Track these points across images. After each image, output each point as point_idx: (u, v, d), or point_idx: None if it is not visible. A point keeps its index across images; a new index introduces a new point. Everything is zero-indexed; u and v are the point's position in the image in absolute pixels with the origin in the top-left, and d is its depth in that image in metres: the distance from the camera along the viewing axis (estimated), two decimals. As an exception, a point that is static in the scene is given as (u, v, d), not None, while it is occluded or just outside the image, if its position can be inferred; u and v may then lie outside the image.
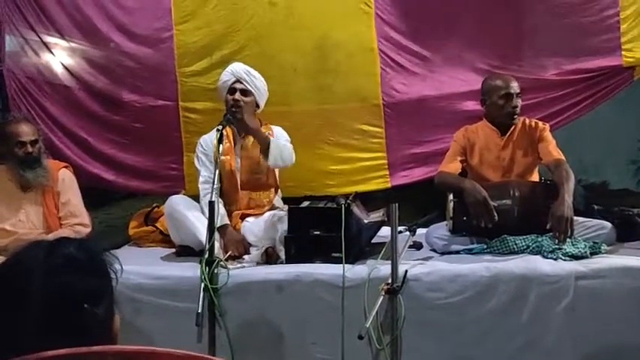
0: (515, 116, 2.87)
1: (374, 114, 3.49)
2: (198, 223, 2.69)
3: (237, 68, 2.93)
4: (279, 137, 2.97)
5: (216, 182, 2.51)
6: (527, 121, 2.93)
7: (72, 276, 0.86)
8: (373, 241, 2.85)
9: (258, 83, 2.92)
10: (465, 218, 2.67)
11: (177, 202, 2.81)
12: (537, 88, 3.37)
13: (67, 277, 0.86)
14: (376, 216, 2.85)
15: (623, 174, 4.88)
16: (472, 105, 3.42)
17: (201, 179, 2.88)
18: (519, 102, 2.87)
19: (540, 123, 2.93)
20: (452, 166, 2.89)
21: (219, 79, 2.98)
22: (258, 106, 2.96)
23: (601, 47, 3.35)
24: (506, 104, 2.84)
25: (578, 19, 3.36)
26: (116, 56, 3.48)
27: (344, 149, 3.53)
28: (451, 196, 2.73)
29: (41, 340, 0.82)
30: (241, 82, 2.88)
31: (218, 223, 2.54)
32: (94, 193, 3.47)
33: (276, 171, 3.00)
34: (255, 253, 2.68)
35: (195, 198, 2.90)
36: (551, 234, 2.54)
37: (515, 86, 2.87)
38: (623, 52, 3.32)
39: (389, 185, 3.54)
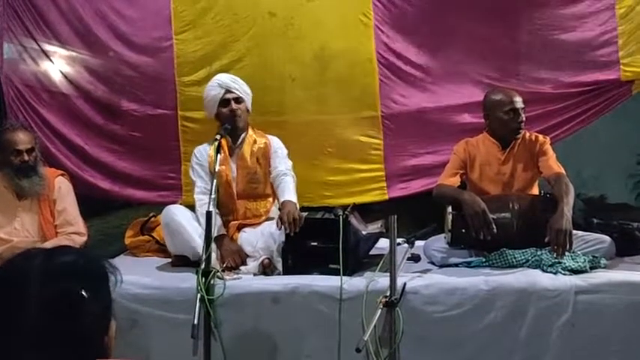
0: (521, 131, 2.85)
1: (372, 125, 3.49)
2: (194, 234, 2.67)
3: (223, 79, 2.90)
4: (276, 148, 2.96)
5: (213, 192, 2.49)
6: (528, 134, 2.92)
7: (69, 281, 0.87)
8: (371, 252, 2.83)
9: (245, 88, 2.92)
10: (463, 231, 2.65)
11: (175, 211, 2.79)
12: (536, 101, 3.37)
13: (64, 282, 0.86)
14: (374, 227, 2.83)
15: (622, 188, 4.88)
16: (470, 117, 3.43)
17: (197, 190, 2.86)
18: (524, 116, 2.85)
19: (541, 136, 2.92)
20: (451, 179, 2.87)
21: (205, 96, 2.93)
22: (248, 111, 2.95)
23: (599, 61, 3.37)
24: (512, 120, 2.82)
25: (577, 33, 3.39)
26: (115, 65, 3.48)
27: (342, 160, 3.52)
28: (450, 209, 2.71)
29: (37, 343, 0.82)
30: (231, 92, 2.87)
31: (215, 233, 2.52)
32: (90, 202, 3.44)
33: None
34: (252, 264, 2.66)
35: (193, 208, 2.88)
36: (550, 247, 2.52)
37: (519, 101, 2.84)
38: (621, 66, 3.35)
39: (386, 197, 3.54)
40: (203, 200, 2.68)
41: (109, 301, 0.93)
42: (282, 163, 2.92)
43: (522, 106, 2.85)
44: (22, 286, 0.85)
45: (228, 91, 2.86)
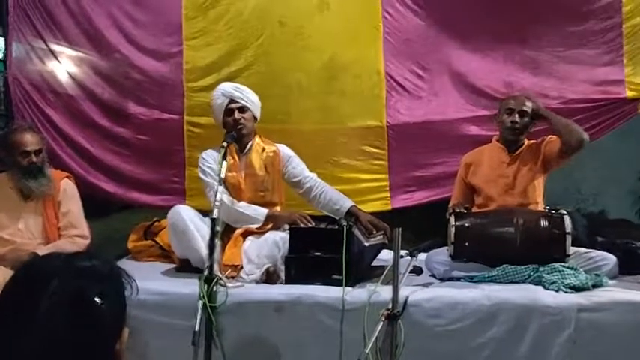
0: (516, 132, 2.88)
1: (377, 136, 3.50)
2: (199, 237, 2.64)
3: (226, 88, 2.90)
4: (289, 155, 2.98)
5: (217, 200, 2.47)
6: (533, 142, 2.96)
7: (86, 283, 0.88)
8: (373, 264, 2.83)
9: (250, 96, 2.91)
10: (466, 244, 2.66)
11: (181, 211, 2.75)
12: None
13: (80, 283, 0.87)
14: (377, 239, 2.83)
15: (622, 204, 4.89)
16: (476, 130, 3.45)
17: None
18: (524, 120, 2.87)
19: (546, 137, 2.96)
20: (459, 198, 2.99)
21: (212, 104, 2.93)
22: (255, 119, 2.95)
23: (605, 79, 3.40)
24: (507, 119, 2.89)
25: (584, 50, 3.41)
26: (124, 68, 3.49)
27: (346, 170, 3.53)
28: (452, 221, 2.71)
29: (48, 344, 0.83)
30: (235, 101, 2.86)
31: (257, 216, 2.72)
32: (91, 204, 3.43)
33: (282, 190, 3.00)
34: (256, 272, 2.65)
35: (197, 211, 2.86)
36: (552, 264, 2.53)
37: (519, 103, 2.89)
38: (626, 85, 3.37)
39: (389, 207, 3.54)
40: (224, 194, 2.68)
41: (124, 308, 0.94)
42: (304, 169, 2.97)
43: (522, 109, 2.87)
44: (43, 284, 0.85)
45: (232, 100, 2.85)
